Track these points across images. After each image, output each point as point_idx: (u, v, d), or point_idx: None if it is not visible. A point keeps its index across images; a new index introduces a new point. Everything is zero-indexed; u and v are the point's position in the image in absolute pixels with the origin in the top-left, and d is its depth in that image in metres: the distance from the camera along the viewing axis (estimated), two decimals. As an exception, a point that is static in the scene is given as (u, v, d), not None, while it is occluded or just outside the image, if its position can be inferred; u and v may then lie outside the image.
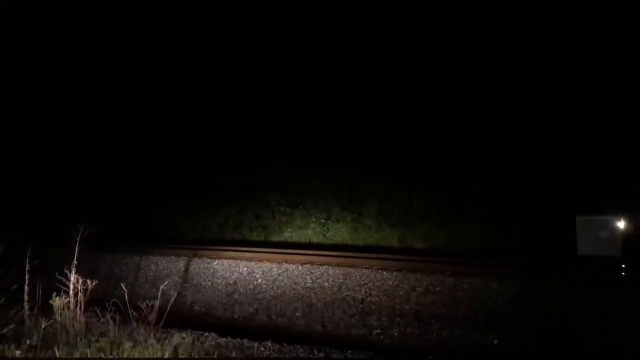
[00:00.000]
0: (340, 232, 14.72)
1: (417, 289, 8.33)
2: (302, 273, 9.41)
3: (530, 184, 13.85)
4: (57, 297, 5.38)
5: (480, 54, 16.10)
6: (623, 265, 9.29)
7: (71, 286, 5.52)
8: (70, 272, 5.54)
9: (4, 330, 5.05)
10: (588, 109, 14.18)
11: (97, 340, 5.09)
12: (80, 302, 5.50)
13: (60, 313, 5.34)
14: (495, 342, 6.90)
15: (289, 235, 15.28)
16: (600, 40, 13.98)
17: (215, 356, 4.79)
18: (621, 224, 10.56)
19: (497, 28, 15.75)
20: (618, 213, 10.73)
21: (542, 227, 12.33)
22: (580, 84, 14.41)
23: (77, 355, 4.65)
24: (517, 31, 15.38)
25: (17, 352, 4.55)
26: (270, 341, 6.05)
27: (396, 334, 7.38)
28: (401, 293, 8.34)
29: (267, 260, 10.32)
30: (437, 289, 8.23)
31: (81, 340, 5.05)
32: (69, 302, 5.43)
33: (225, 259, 10.66)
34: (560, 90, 14.90)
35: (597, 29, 13.97)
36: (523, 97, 15.41)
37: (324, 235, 14.83)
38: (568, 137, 14.10)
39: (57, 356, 4.58)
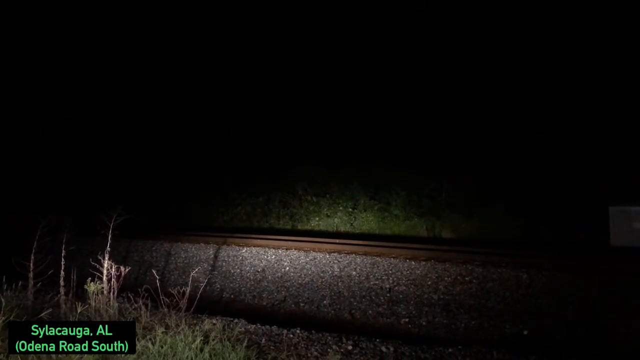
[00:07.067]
0: (367, 221, 14.69)
1: (446, 278, 8.28)
2: (330, 261, 9.44)
3: (562, 174, 13.59)
4: (92, 283, 5.51)
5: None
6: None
7: (105, 272, 5.65)
8: (103, 258, 5.67)
9: (42, 314, 5.21)
10: (620, 104, 13.92)
11: (130, 325, 5.21)
12: (114, 288, 5.62)
13: (95, 298, 5.47)
14: (525, 332, 6.81)
15: (316, 223, 15.33)
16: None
17: (245, 342, 4.85)
18: (657, 215, 10.29)
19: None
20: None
21: (574, 217, 12.11)
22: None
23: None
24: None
25: (54, 336, 4.68)
26: (299, 328, 6.08)
27: (424, 323, 7.35)
28: (429, 283, 8.30)
29: (295, 249, 10.41)
30: (466, 278, 8.17)
31: (115, 324, 5.17)
32: (102, 287, 5.56)
33: (254, 246, 10.79)
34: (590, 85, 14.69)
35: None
36: (554, 93, 15.19)
37: (351, 224, 14.83)
38: (601, 128, 13.79)
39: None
